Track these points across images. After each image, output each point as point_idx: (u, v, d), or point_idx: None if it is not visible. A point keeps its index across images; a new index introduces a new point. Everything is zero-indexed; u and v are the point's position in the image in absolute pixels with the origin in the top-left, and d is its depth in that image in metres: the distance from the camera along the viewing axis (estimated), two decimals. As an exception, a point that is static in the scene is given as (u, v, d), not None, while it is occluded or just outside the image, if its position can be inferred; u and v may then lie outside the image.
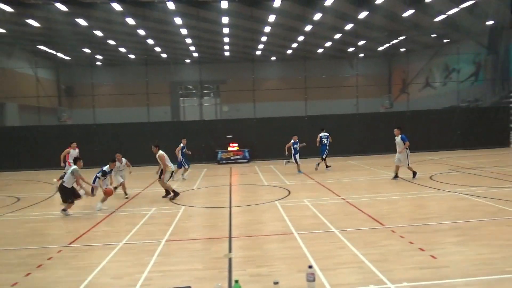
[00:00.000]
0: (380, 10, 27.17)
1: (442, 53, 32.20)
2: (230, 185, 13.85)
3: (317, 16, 27.51)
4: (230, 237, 7.28)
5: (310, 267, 4.88)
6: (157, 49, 31.99)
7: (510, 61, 30.28)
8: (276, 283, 4.38)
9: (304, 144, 16.37)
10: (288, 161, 16.05)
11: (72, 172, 9.68)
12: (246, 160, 21.60)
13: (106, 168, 10.62)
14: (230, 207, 10.09)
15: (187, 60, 36.64)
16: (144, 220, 8.93)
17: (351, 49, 36.18)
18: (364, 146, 22.16)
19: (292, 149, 15.80)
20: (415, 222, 7.80)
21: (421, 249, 6.06)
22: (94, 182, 10.41)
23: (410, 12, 26.48)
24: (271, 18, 26.86)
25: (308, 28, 28.57)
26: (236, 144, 21.93)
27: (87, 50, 28.23)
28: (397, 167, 13.39)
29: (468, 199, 9.60)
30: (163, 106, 31.81)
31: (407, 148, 13.16)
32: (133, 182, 13.66)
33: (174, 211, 9.67)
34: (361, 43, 34.18)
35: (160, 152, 11.30)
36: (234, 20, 26.60)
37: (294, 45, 34.27)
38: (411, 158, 13.59)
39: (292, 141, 15.88)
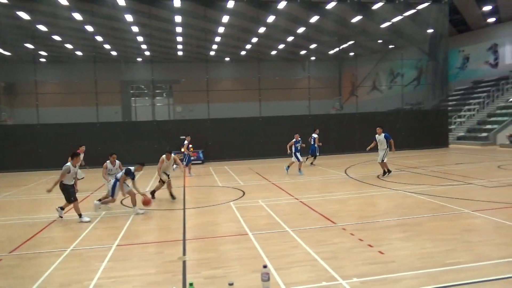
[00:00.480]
0: (330, 15, 28.07)
1: (388, 58, 33.83)
2: (184, 186, 13.65)
3: (270, 19, 27.85)
4: (184, 240, 7.19)
5: (265, 266, 4.93)
6: (107, 46, 30.82)
7: (449, 67, 32.44)
8: (231, 284, 4.38)
9: (304, 145, 16.24)
10: (288, 167, 15.63)
11: (64, 168, 8.87)
12: (200, 161, 21.40)
13: (132, 168, 9.71)
14: (184, 209, 9.96)
15: (139, 59, 35.62)
16: (94, 224, 8.57)
17: (303, 52, 37.00)
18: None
19: (294, 148, 15.55)
20: (364, 219, 8.13)
21: (370, 246, 6.33)
22: (114, 187, 9.58)
23: (358, 18, 27.59)
24: (225, 18, 26.83)
25: (261, 30, 28.85)
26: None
27: (29, 46, 26.58)
28: (381, 165, 14.02)
29: (413, 196, 10.16)
30: (114, 106, 30.68)
31: (387, 147, 13.87)
32: (81, 185, 13.05)
33: (126, 215, 9.37)
34: (313, 46, 35.10)
35: (173, 155, 11.53)
36: (187, 19, 26.28)
37: (248, 46, 34.44)
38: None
39: (294, 139, 15.63)
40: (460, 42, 35.96)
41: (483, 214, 8.04)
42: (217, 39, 32.66)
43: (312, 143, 18.25)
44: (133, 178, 9.60)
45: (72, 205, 8.98)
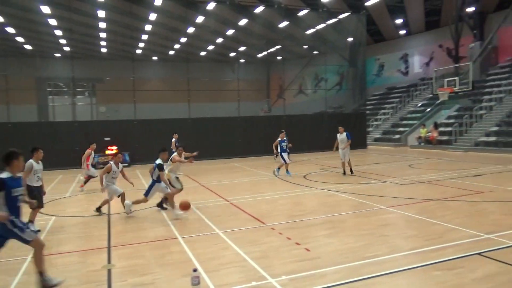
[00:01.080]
0: (258, 19, 28.68)
1: (313, 63, 35.45)
2: (109, 191, 12.98)
3: (199, 19, 27.67)
4: (109, 247, 6.85)
5: (195, 270, 4.91)
6: (20, 39, 28.25)
7: (367, 74, 34.89)
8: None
9: (291, 145, 15.77)
10: (279, 169, 14.92)
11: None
12: (126, 164, 20.48)
13: (159, 161, 9.00)
14: (109, 214, 9.49)
15: (57, 54, 33.18)
16: (4, 235, 7.78)
17: (232, 54, 37.29)
18: (245, 148, 23.04)
19: (279, 148, 14.92)
20: (292, 218, 8.44)
21: (297, 243, 6.59)
22: (151, 187, 9.02)
23: (285, 23, 28.56)
24: (152, 16, 26.09)
25: (190, 30, 28.54)
26: (115, 147, 20.63)
27: None
28: (343, 163, 14.39)
29: (336, 195, 10.77)
30: (28, 105, 28.20)
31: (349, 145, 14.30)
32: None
33: (43, 223, 8.66)
34: (242, 49, 35.54)
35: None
36: (111, 15, 25.10)
37: (177, 46, 33.85)
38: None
39: (279, 138, 15.03)
40: (376, 51, 38.89)
41: (397, 209, 8.80)
42: (144, 37, 31.61)
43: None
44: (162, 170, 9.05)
45: (38, 211, 7.95)
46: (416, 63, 36.25)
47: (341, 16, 28.24)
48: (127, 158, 20.72)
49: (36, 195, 7.75)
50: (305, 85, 41.82)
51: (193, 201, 10.43)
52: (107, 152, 20.35)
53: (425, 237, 6.72)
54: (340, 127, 14.90)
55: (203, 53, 37.89)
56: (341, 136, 14.59)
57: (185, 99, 23.03)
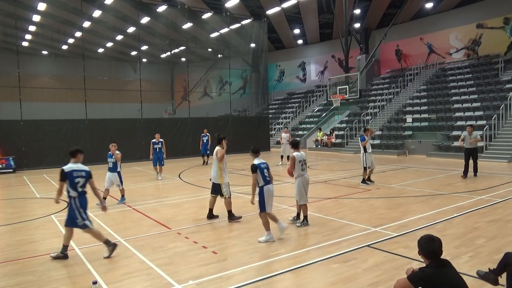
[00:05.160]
0: (161, 18, 27.99)
1: (217, 66, 35.76)
2: (-13, 201, 11.43)
3: (96, 13, 26.02)
4: (-10, 265, 6.03)
5: (95, 282, 4.63)
6: None
7: (269, 79, 36.36)
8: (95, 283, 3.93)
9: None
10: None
11: None
12: (11, 170, 18.27)
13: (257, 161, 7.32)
14: (-12, 228, 8.34)
15: None
16: None
17: (134, 53, 35.74)
18: (148, 151, 22.16)
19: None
20: (198, 222, 8.39)
21: (204, 247, 6.59)
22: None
23: (189, 25, 28.33)
24: (41, 6, 23.74)
25: (86, 24, 26.60)
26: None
27: None
28: (371, 171, 12.65)
29: (241, 197, 11.01)
30: None
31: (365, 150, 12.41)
32: None
33: None
34: (144, 48, 34.26)
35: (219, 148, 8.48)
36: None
37: (71, 40, 31.28)
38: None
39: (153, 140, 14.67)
40: (277, 57, 40.83)
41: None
42: (32, 28, 28.59)
43: (205, 142, 19.42)
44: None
45: None
46: (313, 71, 38.99)
47: (244, 22, 29.01)
48: (12, 163, 18.50)
49: None
50: (210, 88, 41.97)
51: (92, 209, 9.69)
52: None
53: (323, 233, 7.27)
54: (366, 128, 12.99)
55: (101, 50, 35.58)
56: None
57: (82, 99, 21.31)
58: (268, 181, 7.08)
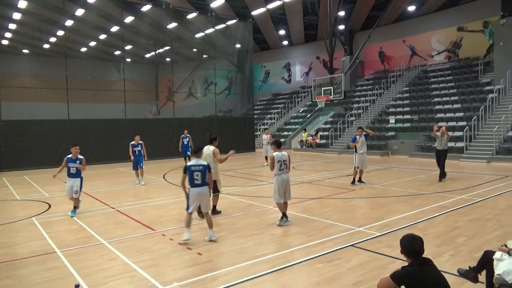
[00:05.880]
0: (146, 17, 27.72)
1: (202, 67, 35.61)
2: (-35, 203, 11.12)
3: (79, 12, 25.64)
4: (-32, 269, 5.88)
5: (77, 286, 4.56)
6: None
7: (254, 80, 36.38)
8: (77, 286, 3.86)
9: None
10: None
11: None
12: (-12, 171, 17.81)
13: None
14: (-34, 231, 8.12)
15: None
16: None
17: (117, 53, 35.32)
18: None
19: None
20: (183, 223, 8.32)
21: (189, 248, 6.55)
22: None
23: (174, 25, 28.15)
24: (21, 3, 23.27)
25: (69, 23, 26.17)
26: None
27: None
28: (361, 171, 12.72)
29: (226, 197, 10.98)
30: None
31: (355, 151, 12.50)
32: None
33: None
34: (128, 47, 33.88)
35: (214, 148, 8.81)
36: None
37: (53, 39, 30.72)
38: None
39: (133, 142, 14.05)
40: (262, 58, 40.91)
41: (283, 209, 9.36)
42: (12, 26, 28.00)
43: (186, 143, 18.59)
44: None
45: None
46: (298, 72, 39.21)
47: (229, 22, 28.97)
48: (-10, 164, 18.04)
49: None
50: (195, 88, 41.74)
51: (76, 212, 9.57)
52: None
53: (308, 233, 7.31)
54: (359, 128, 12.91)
55: (84, 49, 35.03)
56: (361, 139, 12.61)
57: (64, 99, 20.91)
58: (196, 184, 6.99)
